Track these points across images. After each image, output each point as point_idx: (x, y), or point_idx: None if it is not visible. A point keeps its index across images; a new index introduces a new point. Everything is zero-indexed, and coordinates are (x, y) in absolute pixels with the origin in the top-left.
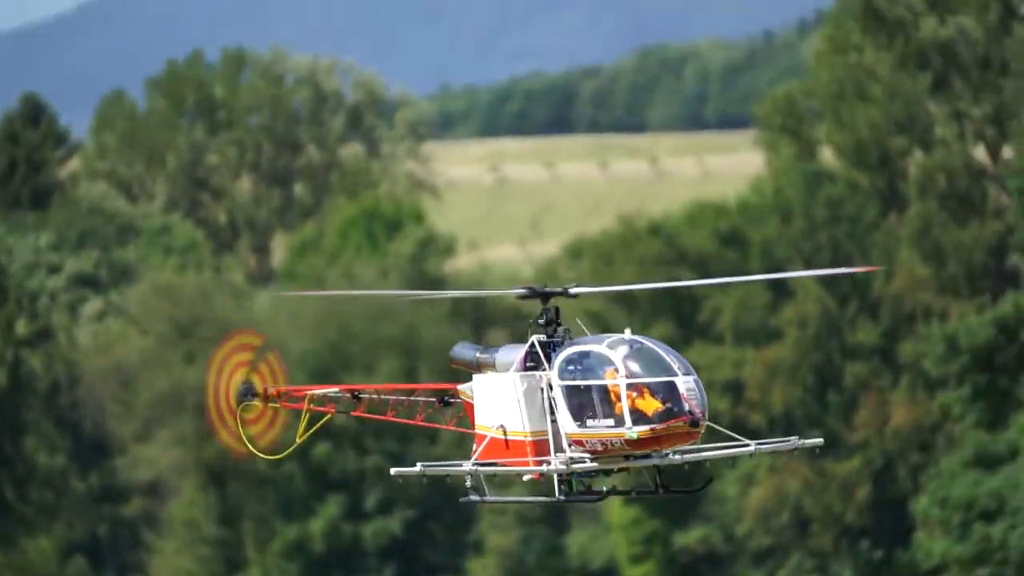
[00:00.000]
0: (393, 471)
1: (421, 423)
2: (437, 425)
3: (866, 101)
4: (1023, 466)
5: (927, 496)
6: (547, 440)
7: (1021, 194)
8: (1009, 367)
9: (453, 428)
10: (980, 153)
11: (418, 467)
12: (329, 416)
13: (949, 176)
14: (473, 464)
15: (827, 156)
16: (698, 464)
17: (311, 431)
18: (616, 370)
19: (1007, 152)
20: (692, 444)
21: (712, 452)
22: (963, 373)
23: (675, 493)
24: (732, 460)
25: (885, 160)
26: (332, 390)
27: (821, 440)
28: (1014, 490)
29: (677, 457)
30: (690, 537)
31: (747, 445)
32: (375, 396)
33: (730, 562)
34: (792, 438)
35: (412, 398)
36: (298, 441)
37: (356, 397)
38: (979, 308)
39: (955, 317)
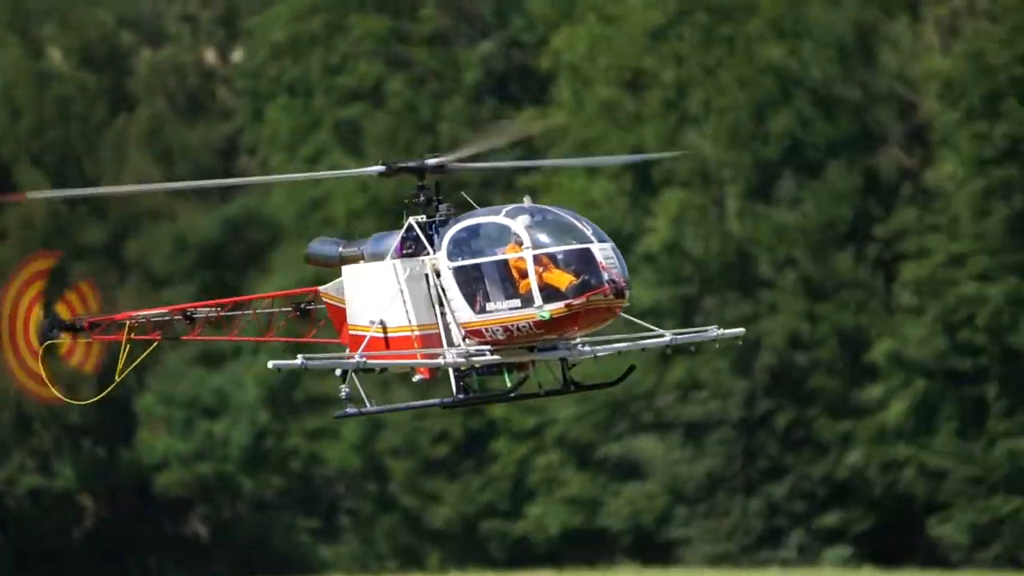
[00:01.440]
0: (271, 363)
1: (274, 339)
2: (294, 339)
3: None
4: (245, 365)
5: (151, 394)
6: (437, 334)
7: (250, 96)
8: (236, 265)
9: (315, 340)
10: (210, 55)
11: (299, 359)
12: (155, 345)
13: (179, 76)
14: (361, 355)
15: (56, 56)
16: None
17: (132, 366)
18: (519, 241)
19: (237, 55)
20: (612, 322)
21: (624, 343)
22: (192, 270)
23: (588, 388)
24: (643, 351)
25: (114, 59)
26: (157, 312)
27: (742, 330)
28: (236, 388)
29: (587, 349)
30: None
31: (662, 335)
32: (213, 314)
33: None
34: (711, 327)
35: (261, 311)
36: (117, 379)
37: (189, 318)
38: (208, 209)
39: (185, 217)
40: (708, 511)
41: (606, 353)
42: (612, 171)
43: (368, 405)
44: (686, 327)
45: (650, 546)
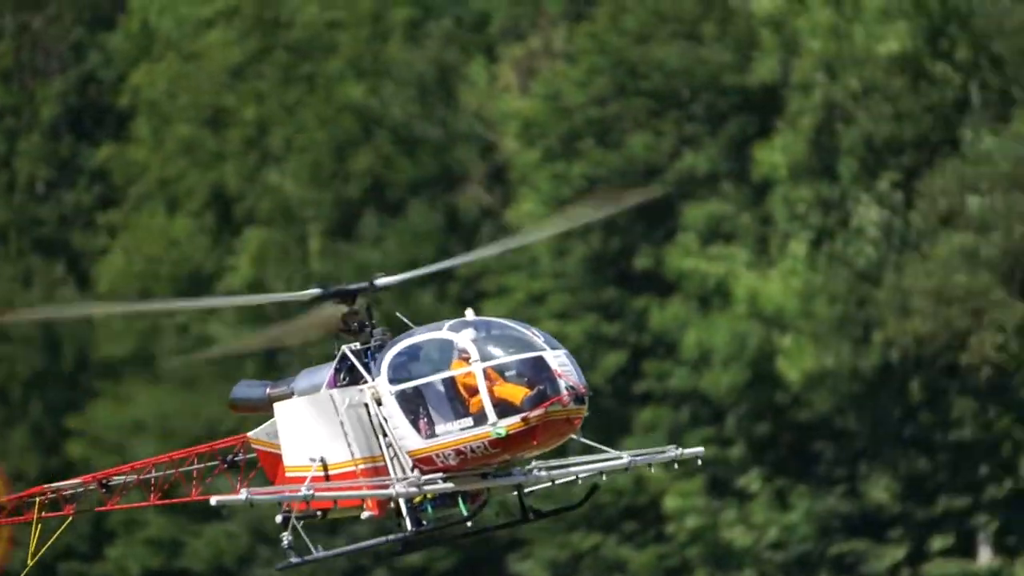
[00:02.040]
0: (214, 500)
1: (200, 498)
2: (224, 496)
3: None
4: None
5: None
6: (383, 466)
7: None
8: None
9: (248, 491)
10: None
11: (243, 494)
12: (69, 521)
13: None
14: (308, 487)
15: None
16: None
17: (45, 547)
18: (465, 356)
19: None
20: (571, 436)
21: (582, 466)
22: None
23: (548, 515)
24: (602, 474)
25: None
26: (70, 483)
27: (702, 449)
28: None
29: (543, 474)
30: None
31: (620, 457)
32: (132, 478)
33: None
34: (670, 447)
35: (184, 468)
36: (29, 563)
37: (105, 486)
38: None
39: None
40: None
41: (564, 480)
42: (192, 208)
43: (315, 551)
44: (268, 366)
45: None
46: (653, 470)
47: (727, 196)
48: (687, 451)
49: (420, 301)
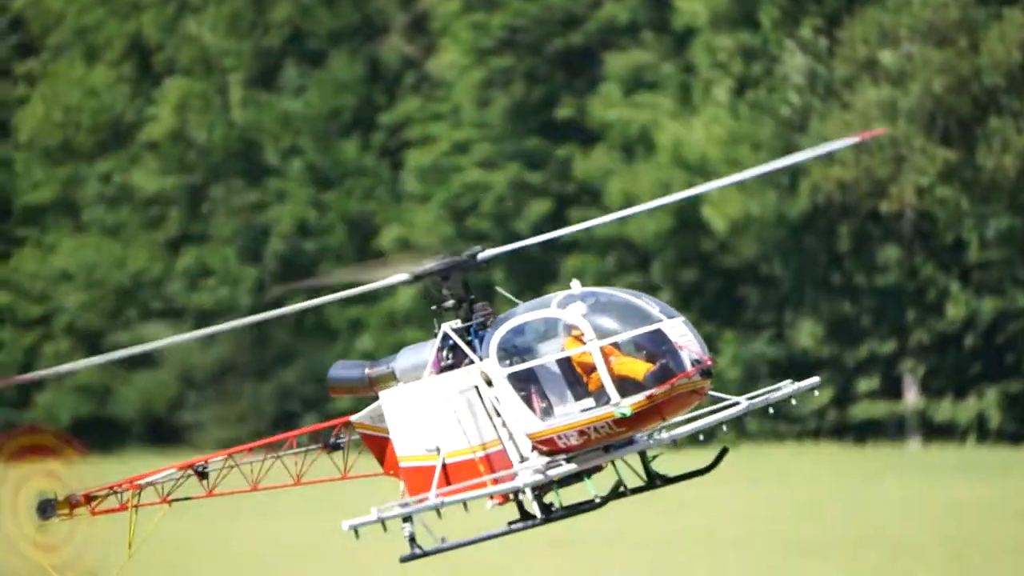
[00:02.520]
0: (345, 525)
1: (301, 482)
2: (327, 479)
3: None
4: None
5: None
6: (502, 450)
7: None
8: None
9: (351, 476)
10: None
11: (373, 513)
12: (165, 512)
13: None
14: (436, 495)
15: None
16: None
17: (142, 540)
18: (579, 334)
19: None
20: (699, 404)
21: (702, 420)
22: None
23: (677, 480)
24: (723, 425)
25: None
26: (164, 473)
27: (817, 379)
28: None
29: (664, 436)
30: None
31: (737, 403)
32: (230, 466)
33: None
34: (786, 382)
35: (283, 453)
36: (129, 554)
37: (201, 473)
38: None
39: None
40: (219, 396)
41: (685, 435)
42: (111, 58)
43: (437, 541)
44: (192, 215)
45: (162, 431)
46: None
47: (648, 46)
48: (803, 383)
49: (343, 149)
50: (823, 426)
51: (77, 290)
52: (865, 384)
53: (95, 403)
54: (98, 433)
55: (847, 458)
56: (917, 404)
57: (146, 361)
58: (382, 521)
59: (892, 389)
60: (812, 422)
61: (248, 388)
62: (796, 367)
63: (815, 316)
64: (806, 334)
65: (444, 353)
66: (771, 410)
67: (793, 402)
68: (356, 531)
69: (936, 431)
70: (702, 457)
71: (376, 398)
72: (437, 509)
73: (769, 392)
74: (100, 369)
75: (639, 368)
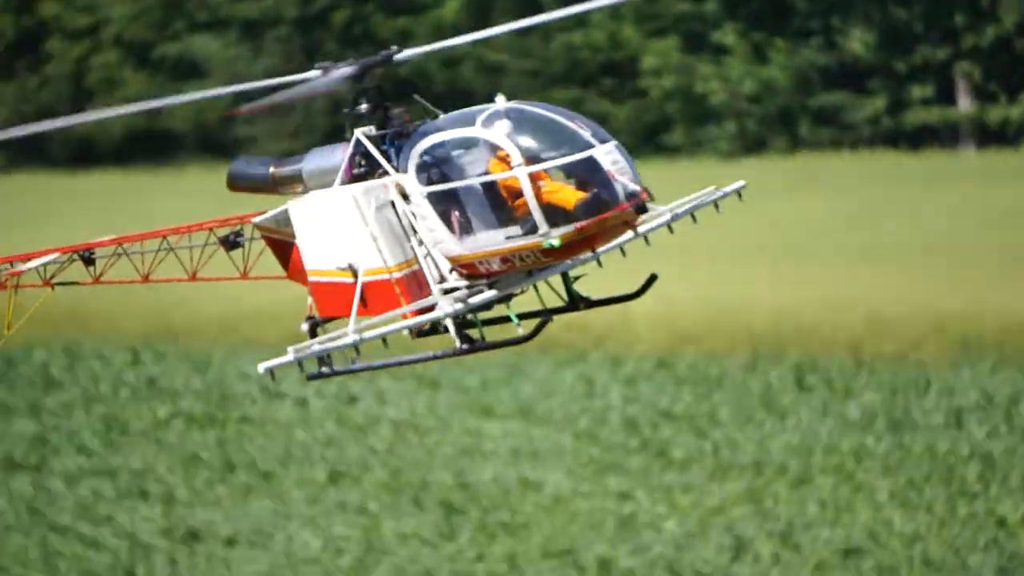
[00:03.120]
0: (261, 367)
1: (202, 278)
2: (225, 277)
3: None
4: None
5: None
6: (418, 271)
7: None
8: None
9: (251, 277)
10: None
11: (290, 354)
12: (46, 297)
13: None
14: (354, 332)
15: None
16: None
17: (21, 322)
18: (505, 155)
19: None
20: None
21: (626, 235)
22: None
23: (602, 303)
24: (646, 238)
25: None
26: (48, 257)
27: (743, 183)
28: None
29: (587, 254)
30: None
31: (662, 214)
32: (118, 253)
33: None
34: (710, 188)
35: (178, 247)
36: (5, 333)
37: (87, 259)
38: None
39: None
40: (272, 109)
41: (608, 251)
42: None
43: (351, 362)
44: None
45: (215, 145)
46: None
47: None
48: (727, 188)
49: None
50: (877, 133)
51: (124, 1)
52: (918, 91)
53: (147, 116)
54: (152, 145)
55: (901, 165)
56: (970, 110)
57: (196, 73)
58: (299, 362)
59: (945, 95)
60: (866, 130)
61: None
62: (848, 75)
63: (866, 22)
64: (857, 41)
65: (357, 159)
66: (694, 218)
67: (718, 208)
68: (272, 373)
69: (990, 137)
70: (630, 279)
71: (281, 199)
72: (356, 347)
73: (692, 200)
74: (150, 81)
75: (570, 197)
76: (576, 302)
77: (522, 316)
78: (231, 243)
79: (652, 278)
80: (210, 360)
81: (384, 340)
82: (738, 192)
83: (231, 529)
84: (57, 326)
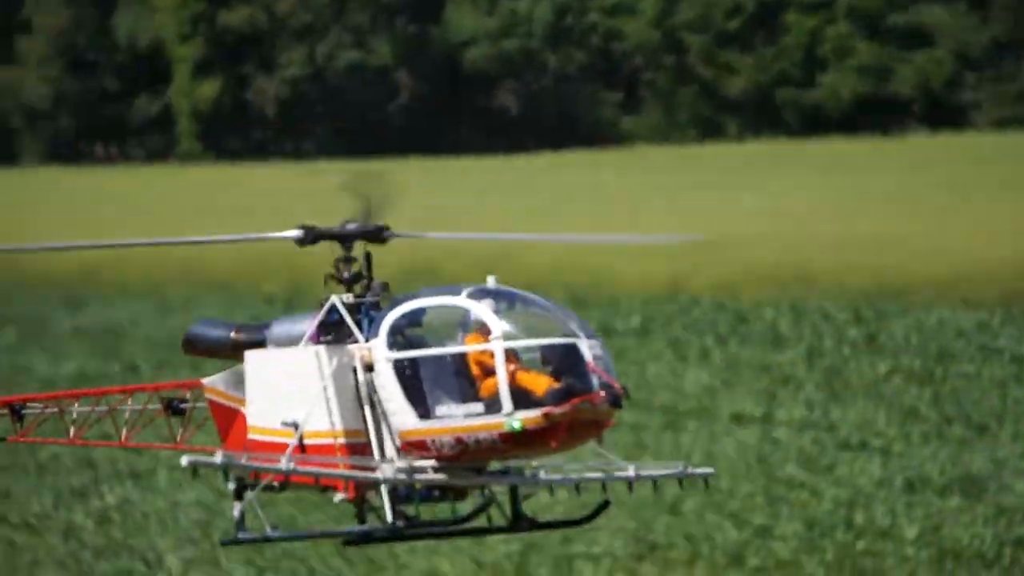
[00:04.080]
0: (184, 460)
1: (130, 444)
2: (157, 445)
3: None
4: None
5: None
6: (365, 443)
7: None
8: None
9: (187, 448)
10: None
11: (218, 456)
12: None
13: None
14: (289, 460)
15: None
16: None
17: None
18: (484, 331)
19: None
20: (597, 439)
21: (586, 474)
22: None
23: (545, 527)
24: (603, 485)
25: None
26: None
27: (712, 470)
28: None
29: (543, 477)
30: (235, 16)
31: (626, 469)
32: (49, 410)
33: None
34: (679, 463)
35: (117, 408)
36: None
37: (17, 413)
38: None
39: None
40: (996, 76)
41: (563, 485)
42: None
43: (269, 530)
44: None
45: (939, 110)
46: (657, 484)
47: None
48: (696, 470)
49: None
50: None
51: None
52: None
53: (875, 82)
54: (878, 112)
55: None
56: None
57: (925, 43)
58: (225, 468)
59: None
60: None
61: None
62: None
63: None
64: None
65: (327, 329)
66: (655, 486)
67: (680, 485)
68: (195, 469)
69: None
70: (580, 503)
71: (236, 363)
72: (286, 476)
73: (660, 470)
74: (881, 49)
75: (541, 382)
76: (520, 520)
77: (464, 518)
78: (175, 408)
79: (604, 504)
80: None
81: (317, 480)
82: (704, 479)
83: (946, 480)
84: (785, 287)
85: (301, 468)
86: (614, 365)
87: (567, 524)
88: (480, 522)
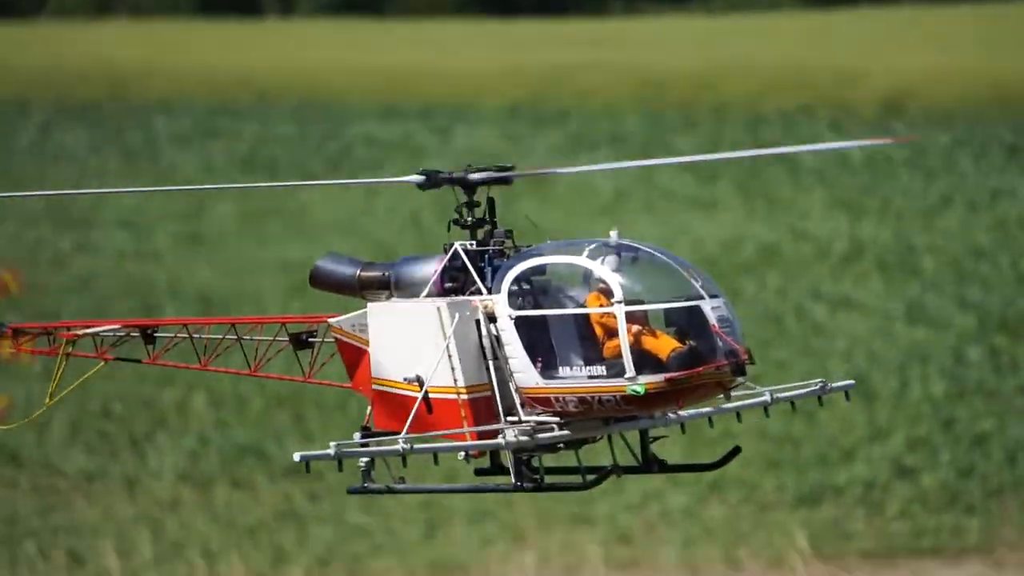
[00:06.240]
0: (297, 455)
1: (258, 374)
2: (288, 376)
3: None
4: None
5: None
6: (489, 397)
7: None
8: None
9: (314, 381)
10: None
11: (331, 447)
12: (100, 367)
13: None
14: (404, 440)
15: None
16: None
17: (67, 391)
18: (606, 291)
19: None
20: (724, 395)
21: (719, 406)
22: None
23: (676, 470)
24: (738, 415)
25: None
26: (107, 328)
27: (852, 382)
28: None
29: (672, 416)
30: None
31: (761, 394)
32: (181, 335)
33: None
34: (817, 380)
35: (246, 338)
36: (47, 403)
37: (149, 337)
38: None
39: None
40: None
41: (694, 420)
42: None
43: (395, 483)
44: None
45: None
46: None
47: None
48: (835, 385)
49: None
50: None
51: None
52: None
53: None
54: None
55: None
56: None
57: None
58: (339, 459)
59: None
60: None
61: None
62: None
63: None
64: None
65: (450, 275)
66: (793, 407)
67: (821, 403)
68: (308, 464)
69: None
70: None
71: (362, 303)
72: (403, 457)
73: (797, 388)
74: None
75: (665, 345)
76: (650, 463)
77: (589, 469)
78: (302, 342)
79: (736, 450)
80: None
81: (435, 457)
82: (845, 391)
83: None
84: None
85: (419, 447)
86: (738, 324)
87: (698, 468)
88: (610, 466)
